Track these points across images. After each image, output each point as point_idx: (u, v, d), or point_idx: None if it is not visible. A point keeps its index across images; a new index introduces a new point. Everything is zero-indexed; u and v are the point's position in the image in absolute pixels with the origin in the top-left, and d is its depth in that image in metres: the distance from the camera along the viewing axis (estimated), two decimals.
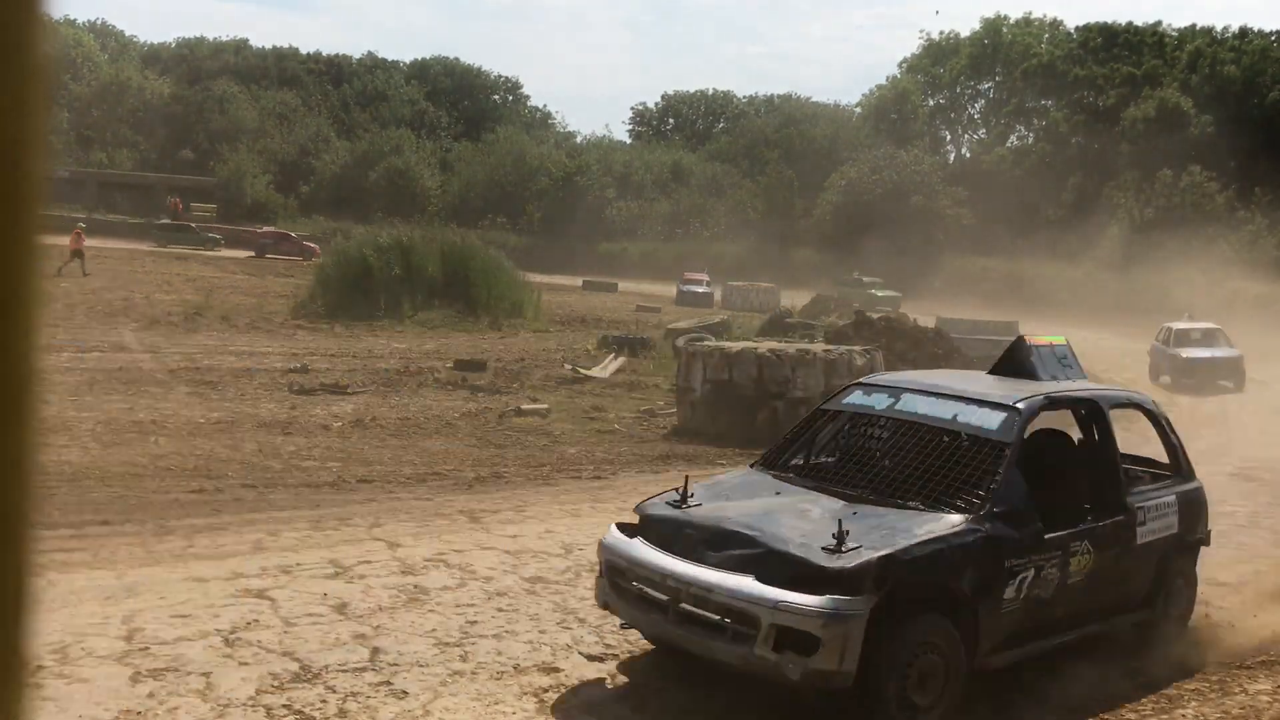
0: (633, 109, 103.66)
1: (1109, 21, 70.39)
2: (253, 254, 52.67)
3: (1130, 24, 69.92)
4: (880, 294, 45.29)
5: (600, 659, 6.38)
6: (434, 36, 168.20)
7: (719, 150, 78.76)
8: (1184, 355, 25.01)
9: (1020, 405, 6.45)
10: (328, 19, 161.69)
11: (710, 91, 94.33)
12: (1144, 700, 6.29)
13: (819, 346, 17.48)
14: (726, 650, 5.33)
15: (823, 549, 5.34)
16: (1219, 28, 67.20)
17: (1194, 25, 69.03)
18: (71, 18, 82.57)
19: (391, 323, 27.95)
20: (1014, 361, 7.44)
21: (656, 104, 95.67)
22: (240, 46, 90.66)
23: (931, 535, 5.57)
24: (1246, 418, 20.43)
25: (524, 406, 16.17)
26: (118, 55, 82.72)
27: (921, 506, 5.89)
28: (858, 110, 78.65)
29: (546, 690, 5.84)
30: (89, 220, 58.66)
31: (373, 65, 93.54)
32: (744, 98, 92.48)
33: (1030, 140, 70.54)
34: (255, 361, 19.81)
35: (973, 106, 76.10)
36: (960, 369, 19.32)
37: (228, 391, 16.53)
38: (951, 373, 9.72)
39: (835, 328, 23.18)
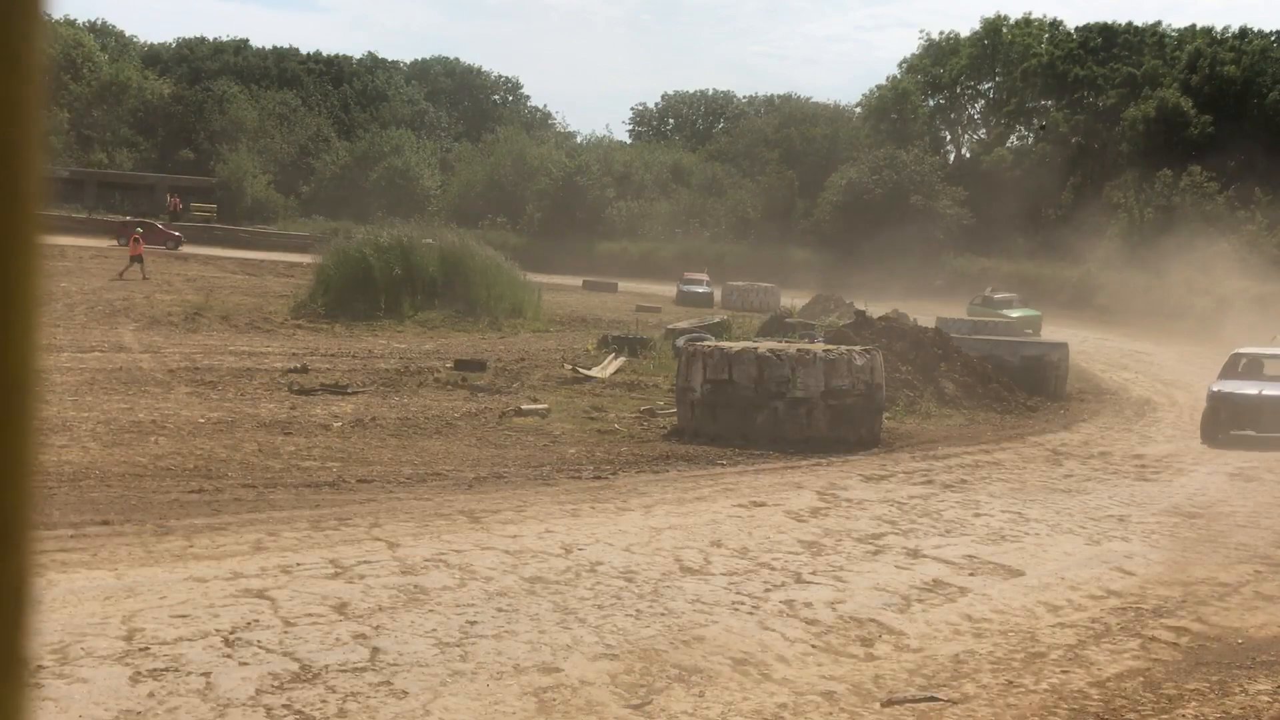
0: (633, 109, 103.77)
1: (1109, 21, 70.41)
2: (116, 242, 48.94)
3: (1130, 24, 69.94)
4: (1015, 314, 37.04)
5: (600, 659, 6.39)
6: (434, 36, 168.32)
7: (719, 150, 78.73)
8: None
9: None
10: (328, 19, 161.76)
11: (710, 91, 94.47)
12: (1144, 700, 6.29)
13: (819, 346, 17.47)
14: None
15: None
16: (1219, 28, 67.17)
17: (1194, 25, 69.02)
18: (71, 18, 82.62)
19: (391, 323, 27.95)
20: None
21: (656, 104, 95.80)
22: (240, 46, 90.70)
23: None
24: None
25: (524, 406, 16.17)
26: (118, 55, 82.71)
27: None
28: (858, 110, 78.58)
29: (546, 690, 5.84)
30: (88, 220, 58.71)
31: (373, 65, 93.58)
32: (744, 98, 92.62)
33: (1030, 140, 70.52)
34: (255, 361, 19.81)
35: (973, 106, 76.04)
36: (962, 366, 19.45)
37: (228, 391, 16.53)
38: None
39: (835, 328, 23.18)
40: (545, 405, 16.42)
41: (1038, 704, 6.12)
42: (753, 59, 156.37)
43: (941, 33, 77.00)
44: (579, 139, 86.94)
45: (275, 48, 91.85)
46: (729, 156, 76.22)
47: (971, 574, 8.74)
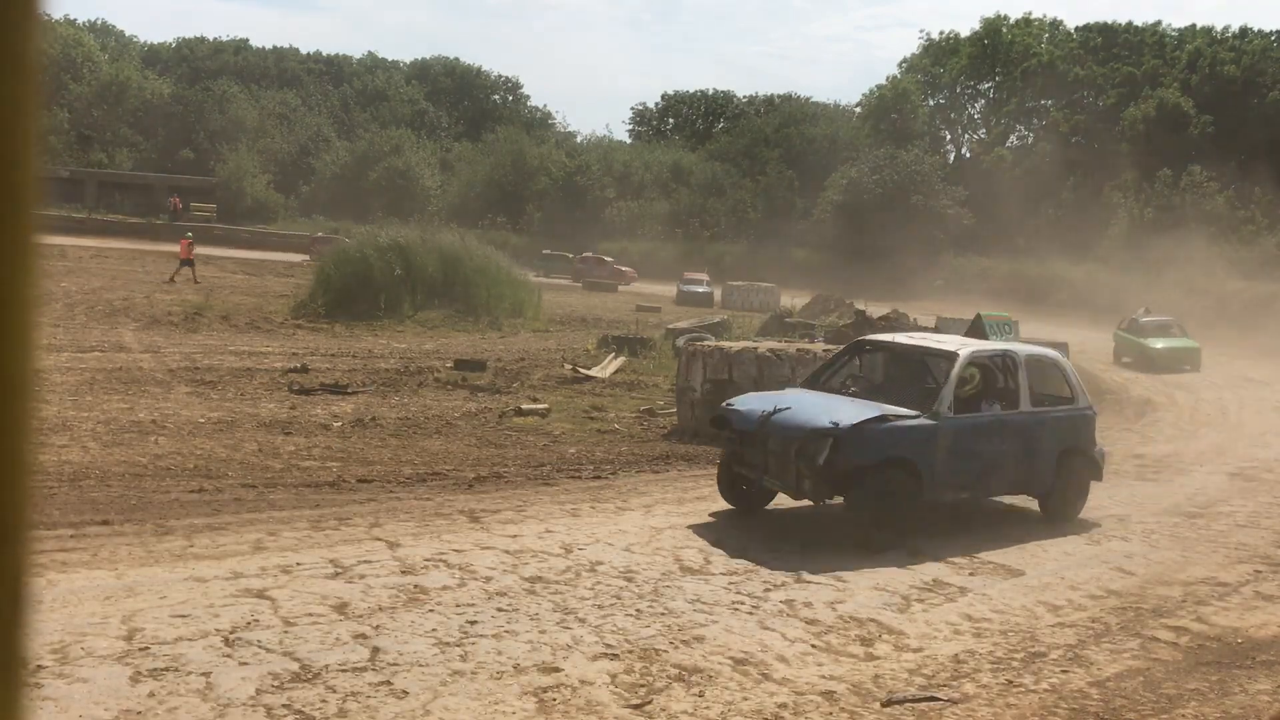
0: (633, 109, 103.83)
1: (1109, 21, 70.56)
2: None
3: (1130, 24, 70.04)
4: (1161, 344, 28.79)
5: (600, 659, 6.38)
6: (434, 36, 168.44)
7: (719, 150, 78.77)
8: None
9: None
10: (328, 19, 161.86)
11: (710, 91, 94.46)
12: (1144, 700, 6.28)
13: (819, 346, 17.47)
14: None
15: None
16: (1219, 28, 67.26)
17: (1194, 25, 69.14)
18: (71, 18, 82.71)
19: (391, 323, 27.94)
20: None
21: (656, 104, 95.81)
22: (240, 46, 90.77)
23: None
24: (1247, 417, 20.44)
25: (524, 406, 16.16)
26: (118, 55, 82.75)
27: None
28: (858, 110, 78.63)
29: (546, 690, 5.84)
30: (88, 220, 58.77)
31: (373, 65, 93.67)
32: (744, 98, 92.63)
33: (1030, 140, 70.54)
34: (255, 361, 19.81)
35: (973, 106, 76.11)
36: None
37: (228, 391, 16.53)
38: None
39: (835, 328, 23.17)
40: (545, 405, 16.42)
41: (1038, 704, 6.12)
42: (753, 59, 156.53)
43: (941, 33, 77.24)
44: (579, 139, 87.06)
45: (275, 48, 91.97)
46: (729, 156, 76.26)
47: (971, 574, 8.75)
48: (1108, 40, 68.63)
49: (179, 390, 16.36)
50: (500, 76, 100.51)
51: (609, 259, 57.52)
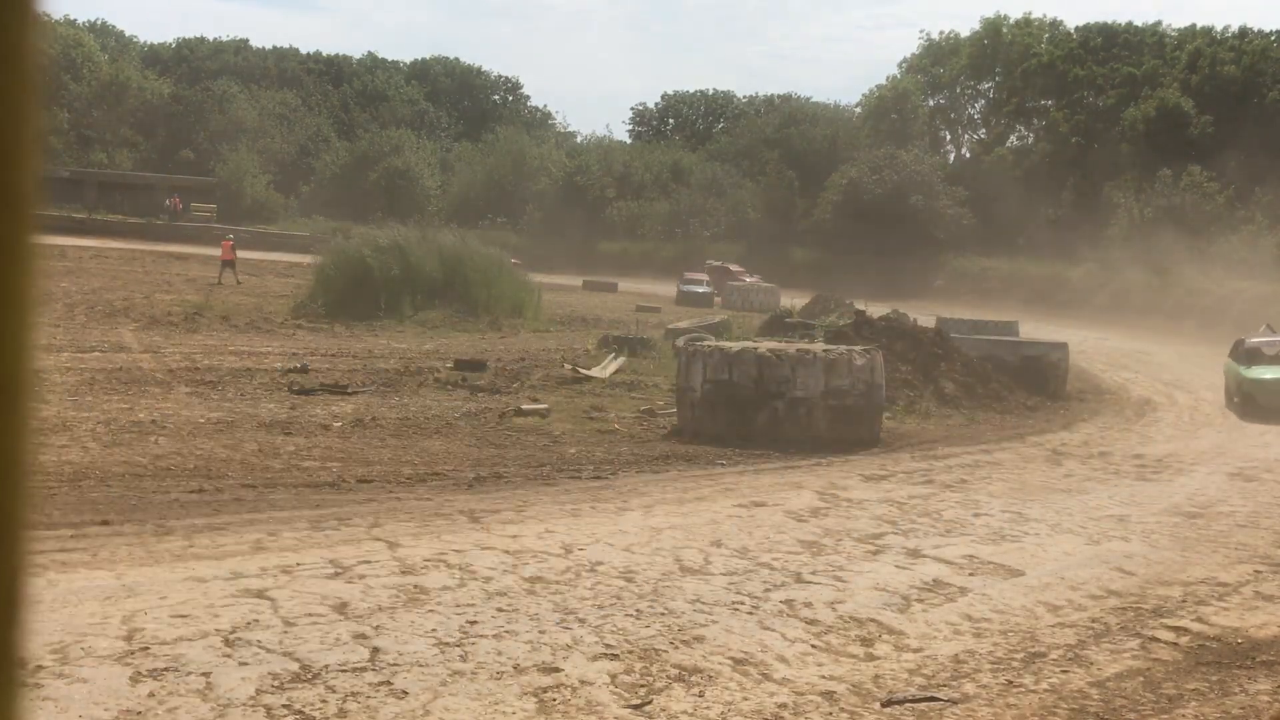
0: (633, 109, 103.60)
1: (1109, 21, 70.44)
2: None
3: (1130, 24, 69.96)
4: (1269, 376, 20.19)
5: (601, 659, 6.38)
6: (434, 36, 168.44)
7: (719, 150, 78.74)
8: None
9: None
10: (328, 19, 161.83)
11: (710, 91, 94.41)
12: (1144, 700, 6.29)
13: (819, 346, 17.47)
14: None
15: None
16: (1219, 28, 67.14)
17: (1194, 25, 69.00)
18: (71, 18, 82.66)
19: (391, 323, 27.94)
20: None
21: (656, 104, 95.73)
22: (240, 46, 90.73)
23: None
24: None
25: (524, 406, 16.16)
26: (118, 55, 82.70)
27: None
28: (858, 110, 78.57)
29: (546, 690, 5.84)
30: (88, 220, 58.76)
31: (373, 65, 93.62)
32: (744, 98, 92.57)
33: (1030, 140, 70.51)
34: (255, 361, 19.80)
35: (973, 106, 76.04)
36: (962, 366, 19.61)
37: (228, 391, 16.53)
38: None
39: (835, 328, 23.17)
40: (545, 405, 16.42)
41: (1038, 704, 6.12)
42: (753, 59, 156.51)
43: (941, 33, 77.15)
44: (579, 139, 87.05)
45: (275, 48, 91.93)
46: (729, 156, 76.23)
47: (971, 574, 8.74)
48: (1108, 40, 68.58)
49: (179, 390, 16.36)
50: (500, 76, 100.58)
51: (735, 267, 55.74)
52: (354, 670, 5.91)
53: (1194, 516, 11.56)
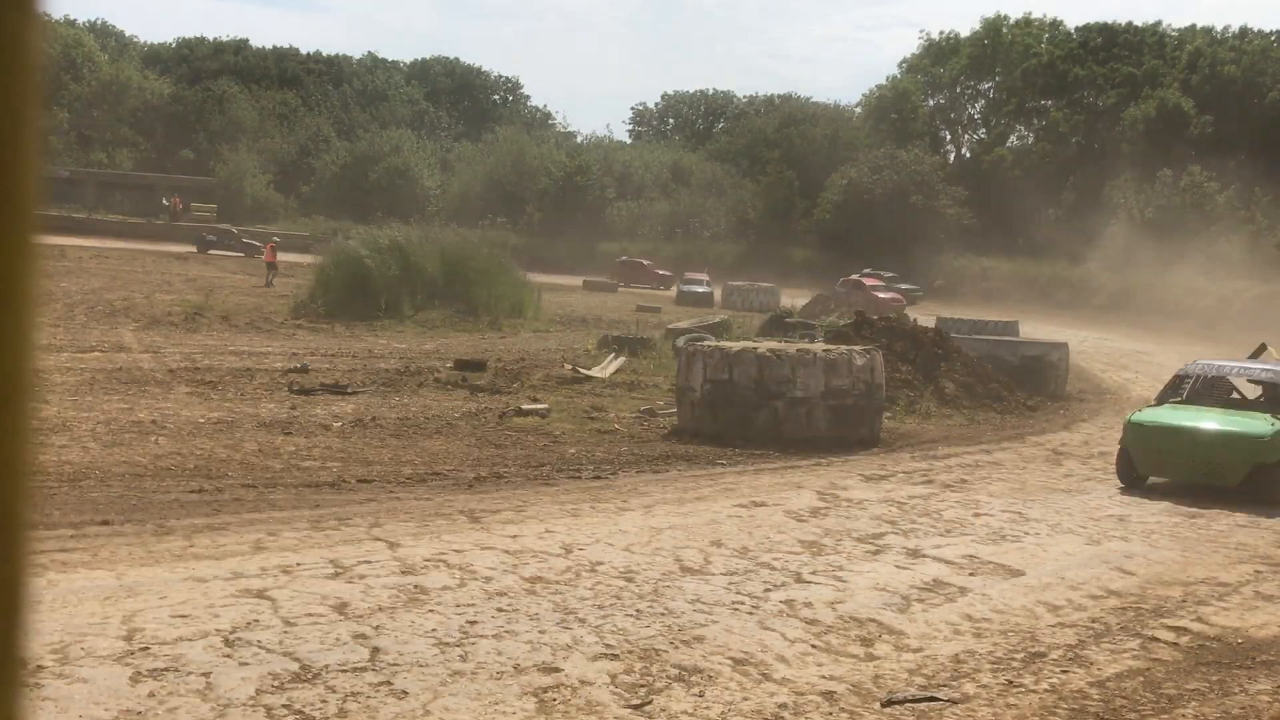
0: (633, 109, 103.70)
1: (1109, 21, 70.43)
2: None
3: (1130, 24, 69.94)
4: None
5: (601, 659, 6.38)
6: (434, 36, 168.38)
7: (719, 150, 78.77)
8: None
9: None
10: (328, 19, 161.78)
11: (710, 91, 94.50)
12: (1144, 700, 6.29)
13: (819, 346, 17.47)
14: None
15: None
16: (1219, 28, 67.23)
17: (1194, 25, 69.10)
18: (71, 18, 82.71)
19: (391, 323, 27.95)
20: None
21: (656, 104, 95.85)
22: (240, 46, 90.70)
23: None
24: None
25: (524, 406, 16.16)
26: (118, 55, 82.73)
27: None
28: (858, 110, 78.60)
29: (546, 690, 5.84)
30: (88, 220, 58.77)
31: (373, 65, 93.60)
32: (744, 98, 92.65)
33: (1030, 140, 70.52)
34: (255, 361, 19.80)
35: (973, 106, 76.07)
36: (963, 366, 19.48)
37: (228, 391, 16.53)
38: None
39: (835, 328, 23.16)
40: (545, 405, 16.42)
41: (1038, 704, 6.12)
42: (753, 59, 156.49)
43: (941, 33, 77.10)
44: (579, 139, 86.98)
45: (275, 48, 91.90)
46: (729, 156, 76.27)
47: (971, 574, 8.74)
48: (1108, 40, 68.58)
49: (179, 390, 16.36)
50: (500, 76, 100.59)
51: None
52: (354, 670, 5.91)
53: (1194, 516, 11.57)
